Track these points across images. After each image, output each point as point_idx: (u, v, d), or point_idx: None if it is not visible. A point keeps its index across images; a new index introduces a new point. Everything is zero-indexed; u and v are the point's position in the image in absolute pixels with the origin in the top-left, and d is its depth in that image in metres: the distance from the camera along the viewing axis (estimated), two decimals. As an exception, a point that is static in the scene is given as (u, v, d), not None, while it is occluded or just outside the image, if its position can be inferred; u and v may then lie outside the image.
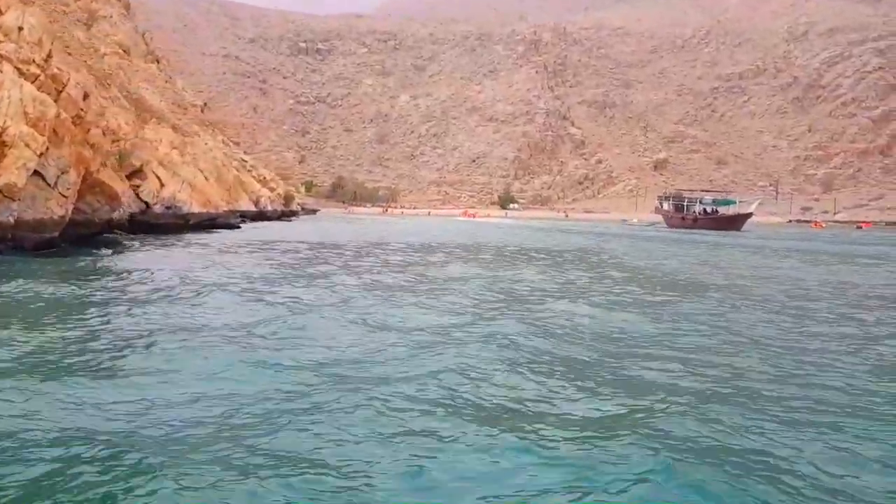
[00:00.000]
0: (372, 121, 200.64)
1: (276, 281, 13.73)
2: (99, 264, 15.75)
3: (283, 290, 12.17)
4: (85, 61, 43.91)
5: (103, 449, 4.21)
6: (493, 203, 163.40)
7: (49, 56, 19.52)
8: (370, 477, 3.97)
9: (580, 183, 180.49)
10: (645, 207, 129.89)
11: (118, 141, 30.16)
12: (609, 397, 5.63)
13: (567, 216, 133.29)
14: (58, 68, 19.42)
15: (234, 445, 4.32)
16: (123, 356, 6.79)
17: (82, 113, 19.77)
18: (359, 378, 6.05)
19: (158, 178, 31.76)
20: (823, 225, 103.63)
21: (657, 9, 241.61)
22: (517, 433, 4.72)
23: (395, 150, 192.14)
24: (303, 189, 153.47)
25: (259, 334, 7.93)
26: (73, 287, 11.34)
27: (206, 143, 52.92)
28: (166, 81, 70.79)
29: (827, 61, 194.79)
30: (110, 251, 18.93)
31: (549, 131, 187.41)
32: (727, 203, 74.62)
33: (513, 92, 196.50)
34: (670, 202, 79.79)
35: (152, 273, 13.90)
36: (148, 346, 7.15)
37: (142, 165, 30.71)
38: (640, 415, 5.17)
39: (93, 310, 9.32)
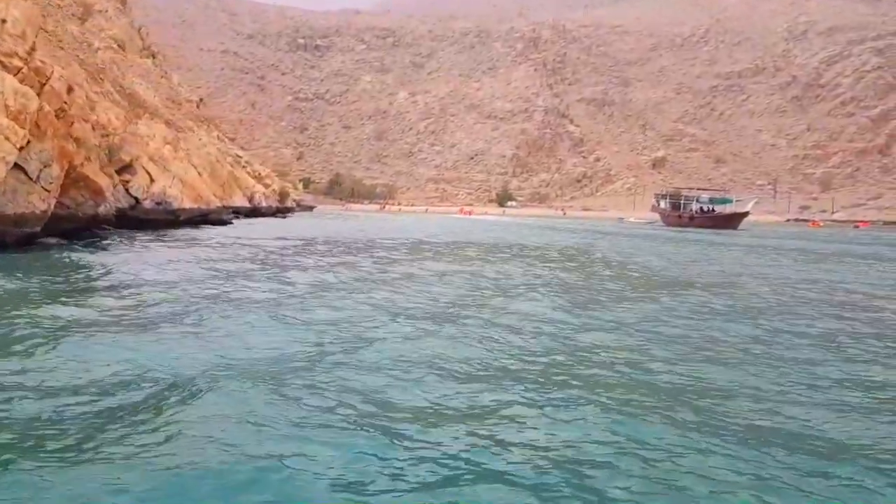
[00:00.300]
0: (370, 118, 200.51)
1: (234, 275, 13.58)
2: (72, 260, 15.57)
3: (235, 285, 12.00)
4: (77, 55, 43.75)
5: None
6: (490, 201, 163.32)
7: (33, 49, 19.30)
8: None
9: (578, 181, 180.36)
10: (643, 206, 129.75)
11: (108, 136, 29.98)
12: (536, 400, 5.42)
13: (565, 214, 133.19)
14: (41, 61, 19.19)
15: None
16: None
17: (66, 106, 19.54)
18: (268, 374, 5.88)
19: (149, 173, 31.54)
20: (821, 224, 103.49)
21: (656, 7, 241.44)
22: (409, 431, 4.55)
23: (393, 147, 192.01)
24: (300, 186, 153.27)
25: (184, 325, 7.93)
26: (36, 281, 11.16)
27: (200, 139, 52.72)
28: (162, 77, 70.56)
29: (826, 60, 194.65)
30: (90, 247, 18.75)
31: (548, 129, 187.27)
32: (724, 202, 74.43)
33: (511, 89, 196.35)
34: (667, 200, 79.61)
35: (120, 268, 13.73)
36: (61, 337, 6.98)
37: (132, 160, 30.49)
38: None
39: (43, 302, 9.11)
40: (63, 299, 9.47)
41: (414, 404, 5.17)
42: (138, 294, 10.31)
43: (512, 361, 6.64)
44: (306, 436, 4.41)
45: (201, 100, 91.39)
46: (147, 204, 30.80)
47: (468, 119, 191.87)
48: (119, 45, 63.15)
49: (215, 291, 10.94)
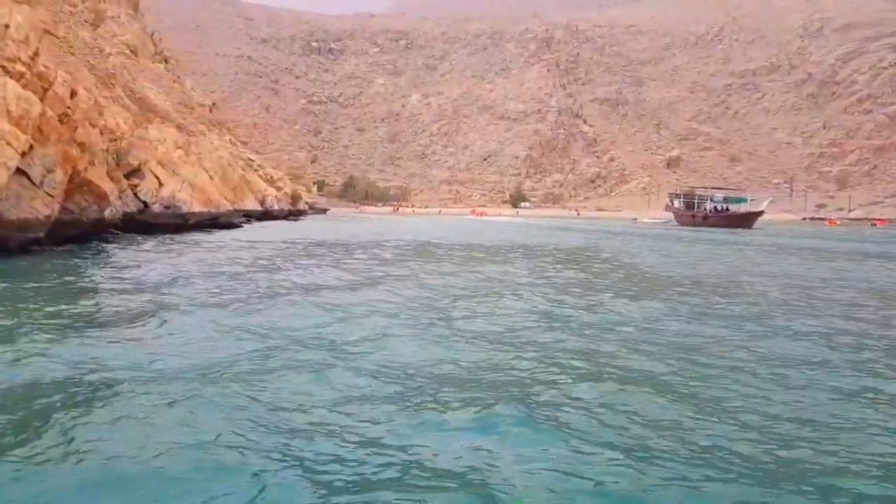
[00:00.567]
0: (383, 120, 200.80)
1: (220, 276, 13.66)
2: (71, 265, 15.57)
3: (217, 286, 12.05)
4: (88, 61, 44.06)
5: None
6: (504, 202, 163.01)
7: (36, 54, 19.35)
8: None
9: (592, 181, 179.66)
10: (657, 205, 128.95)
11: (116, 140, 30.13)
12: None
13: (579, 214, 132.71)
14: (44, 66, 19.24)
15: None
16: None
17: (69, 111, 19.59)
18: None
19: (157, 177, 31.65)
20: (838, 222, 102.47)
21: (670, 6, 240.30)
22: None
23: (406, 149, 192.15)
24: (314, 188, 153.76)
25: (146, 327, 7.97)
26: (29, 286, 11.14)
27: (212, 143, 52.89)
28: (174, 81, 70.93)
29: (842, 57, 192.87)
30: (93, 252, 18.78)
31: (561, 129, 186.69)
32: (738, 201, 73.84)
33: (524, 90, 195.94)
34: (681, 200, 79.09)
35: (113, 273, 13.76)
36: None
37: (140, 164, 30.62)
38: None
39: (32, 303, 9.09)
40: (45, 304, 9.42)
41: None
42: (120, 298, 10.28)
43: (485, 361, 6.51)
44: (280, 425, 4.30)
45: (214, 104, 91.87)
46: (156, 208, 30.89)
47: (481, 120, 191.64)
48: (131, 51, 63.59)
49: (192, 293, 10.95)
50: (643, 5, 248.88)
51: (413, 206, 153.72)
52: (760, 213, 68.28)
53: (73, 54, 41.87)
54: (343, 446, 4.30)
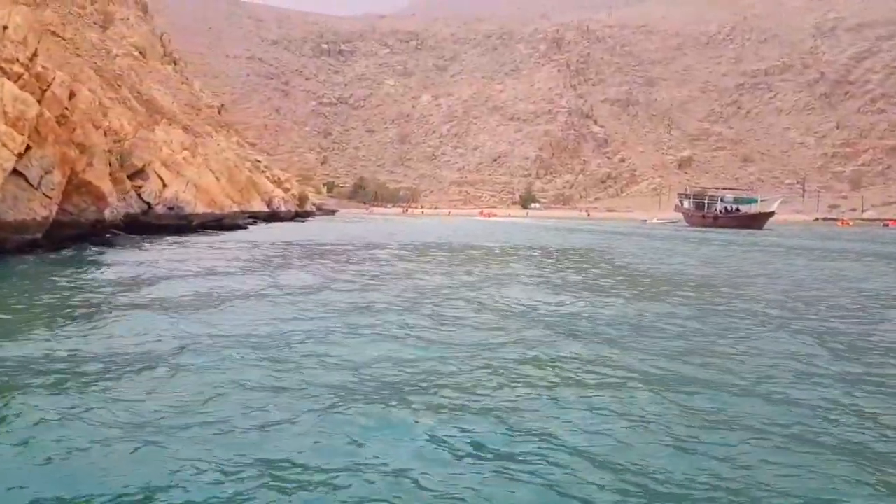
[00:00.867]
0: (394, 121, 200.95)
1: (207, 275, 13.72)
2: (65, 266, 15.52)
3: (204, 286, 12.09)
4: (95, 62, 44.23)
5: None
6: (514, 203, 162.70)
7: (35, 55, 19.37)
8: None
9: (603, 182, 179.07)
10: (668, 206, 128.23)
11: (120, 141, 30.16)
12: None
13: (589, 215, 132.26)
14: (43, 67, 19.25)
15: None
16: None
17: (67, 112, 19.58)
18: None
19: (161, 178, 31.65)
20: (851, 223, 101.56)
21: (681, 6, 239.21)
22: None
23: (416, 150, 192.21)
24: (325, 190, 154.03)
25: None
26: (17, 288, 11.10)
27: (218, 144, 53.01)
28: (183, 83, 71.18)
29: (855, 57, 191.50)
30: (89, 253, 18.72)
31: (572, 130, 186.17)
32: (749, 201, 73.33)
33: (535, 91, 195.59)
34: (691, 200, 78.61)
35: (103, 274, 13.73)
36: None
37: (144, 165, 30.62)
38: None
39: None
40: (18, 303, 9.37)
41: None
42: (93, 297, 10.28)
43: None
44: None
45: (222, 105, 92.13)
46: (159, 209, 30.89)
47: (491, 121, 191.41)
48: (140, 52, 63.86)
49: (164, 294, 10.95)
50: (654, 5, 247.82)
51: (422, 207, 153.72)
52: (771, 213, 67.72)
53: (79, 56, 42.06)
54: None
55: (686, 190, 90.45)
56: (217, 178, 42.74)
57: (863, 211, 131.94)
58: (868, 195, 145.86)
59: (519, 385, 5.72)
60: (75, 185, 19.98)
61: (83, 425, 4.49)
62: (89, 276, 13.38)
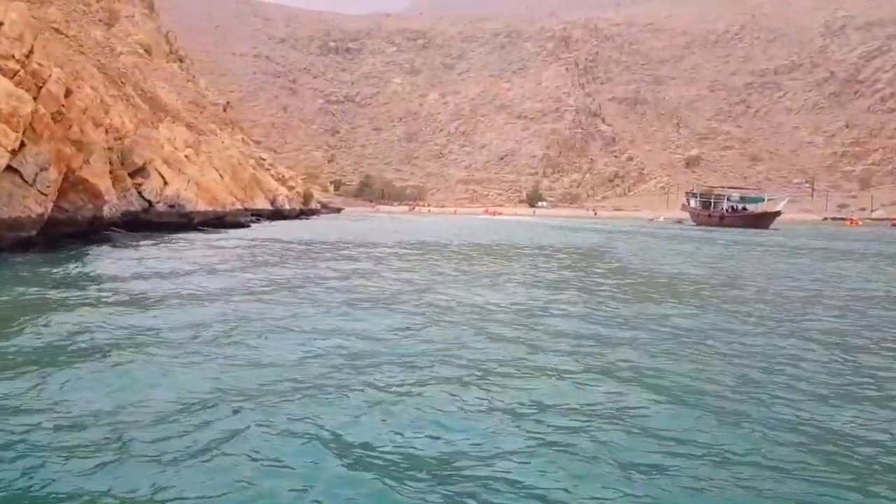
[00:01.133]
0: (401, 119, 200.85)
1: (190, 274, 13.68)
2: (57, 263, 15.44)
3: (189, 282, 12.20)
4: (98, 60, 44.23)
5: None
6: (521, 201, 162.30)
7: (31, 52, 19.30)
8: None
9: (610, 180, 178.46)
10: (676, 205, 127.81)
11: (121, 139, 30.11)
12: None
13: (596, 214, 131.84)
14: (38, 63, 19.17)
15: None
16: None
17: (64, 109, 19.51)
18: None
19: (162, 176, 31.62)
20: (860, 223, 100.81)
21: (689, 4, 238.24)
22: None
23: (423, 148, 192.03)
24: (331, 188, 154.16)
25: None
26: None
27: (222, 142, 53.00)
28: (188, 81, 71.23)
29: (864, 56, 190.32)
30: (84, 250, 18.65)
31: (579, 128, 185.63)
32: (755, 200, 72.99)
33: (542, 89, 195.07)
34: (697, 199, 78.29)
35: (90, 268, 13.73)
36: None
37: (145, 163, 30.57)
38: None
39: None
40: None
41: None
42: (70, 294, 10.23)
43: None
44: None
45: (228, 103, 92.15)
46: (160, 207, 30.85)
47: (498, 119, 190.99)
48: (145, 50, 63.94)
49: (145, 289, 10.97)
50: (661, 4, 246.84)
51: (429, 205, 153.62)
52: (778, 213, 67.34)
53: (82, 53, 42.05)
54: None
55: (693, 189, 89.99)
56: (221, 176, 42.77)
57: (872, 210, 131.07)
58: (878, 195, 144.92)
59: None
60: (71, 183, 19.92)
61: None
62: (74, 274, 13.34)
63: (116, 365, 5.99)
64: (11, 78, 18.11)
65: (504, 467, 3.93)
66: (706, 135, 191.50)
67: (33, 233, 18.13)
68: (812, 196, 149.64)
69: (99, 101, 29.94)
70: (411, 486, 3.67)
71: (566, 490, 3.68)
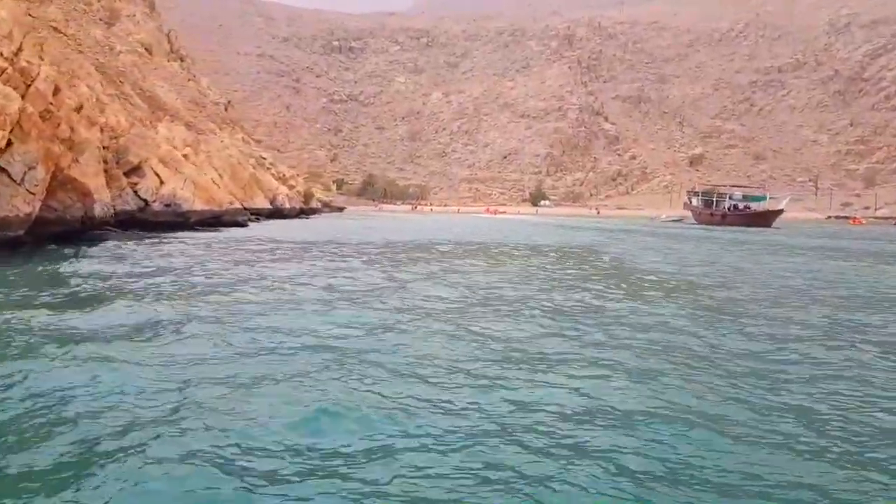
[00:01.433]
0: (404, 118, 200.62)
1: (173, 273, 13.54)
2: (47, 263, 15.33)
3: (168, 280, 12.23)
4: (97, 59, 44.15)
5: None
6: (524, 200, 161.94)
7: (19, 49, 19.15)
8: None
9: (614, 179, 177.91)
10: (679, 204, 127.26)
11: (117, 138, 29.99)
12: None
13: (599, 213, 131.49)
14: (27, 62, 19.02)
15: None
16: None
17: (52, 108, 19.36)
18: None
19: (158, 175, 31.49)
20: (864, 221, 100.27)
21: (693, 3, 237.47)
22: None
23: (426, 147, 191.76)
24: (334, 187, 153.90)
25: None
26: None
27: (221, 141, 52.88)
28: (189, 80, 71.12)
29: (869, 54, 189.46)
30: (71, 250, 18.50)
31: (582, 127, 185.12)
32: (758, 199, 72.65)
33: (545, 88, 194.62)
34: (699, 198, 77.97)
35: (79, 271, 13.58)
36: None
37: (140, 162, 30.44)
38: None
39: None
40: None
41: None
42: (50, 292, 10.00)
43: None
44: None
45: (229, 102, 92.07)
46: (156, 206, 30.72)
47: (502, 118, 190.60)
48: (146, 49, 63.84)
49: (122, 286, 10.78)
50: (665, 2, 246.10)
51: (431, 204, 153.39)
52: (780, 211, 67.01)
53: (80, 52, 41.96)
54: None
55: (695, 187, 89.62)
56: (220, 175, 42.66)
57: (876, 209, 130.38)
58: (882, 193, 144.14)
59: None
60: (60, 182, 19.78)
61: None
62: (52, 272, 13.24)
63: (74, 359, 6.13)
64: (-1, 76, 17.97)
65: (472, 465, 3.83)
66: (710, 133, 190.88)
67: (21, 232, 17.97)
68: (816, 194, 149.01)
69: (95, 99, 29.84)
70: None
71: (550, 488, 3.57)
